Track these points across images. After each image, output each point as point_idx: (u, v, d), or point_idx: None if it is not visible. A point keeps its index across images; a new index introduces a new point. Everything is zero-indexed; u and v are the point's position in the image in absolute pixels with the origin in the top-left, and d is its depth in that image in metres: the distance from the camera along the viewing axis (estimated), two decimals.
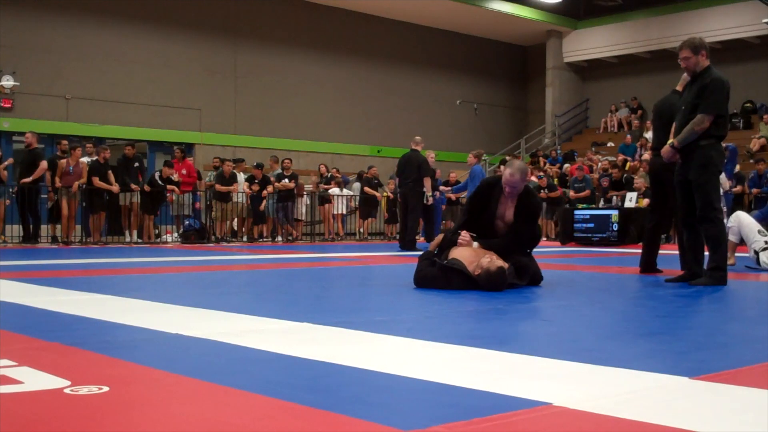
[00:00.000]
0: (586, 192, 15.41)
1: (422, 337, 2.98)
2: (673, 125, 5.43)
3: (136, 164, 13.60)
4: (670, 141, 5.35)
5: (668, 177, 5.77)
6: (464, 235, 5.00)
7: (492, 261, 4.69)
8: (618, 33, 22.14)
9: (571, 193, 15.72)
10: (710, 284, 5.11)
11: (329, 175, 16.41)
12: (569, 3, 21.71)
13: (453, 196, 15.01)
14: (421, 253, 5.52)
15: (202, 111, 18.29)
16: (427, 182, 11.08)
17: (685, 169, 5.25)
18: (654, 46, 21.26)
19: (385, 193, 16.58)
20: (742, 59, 19.74)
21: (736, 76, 15.19)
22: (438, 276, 4.80)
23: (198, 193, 14.70)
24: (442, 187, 14.12)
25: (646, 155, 15.85)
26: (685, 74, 6.02)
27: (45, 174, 12.46)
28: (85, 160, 13.32)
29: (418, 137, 11.37)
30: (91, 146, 14.08)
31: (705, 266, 5.28)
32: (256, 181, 14.47)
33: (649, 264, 6.25)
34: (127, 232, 13.44)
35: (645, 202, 14.06)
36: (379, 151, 20.65)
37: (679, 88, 6.04)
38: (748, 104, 19.51)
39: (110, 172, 12.88)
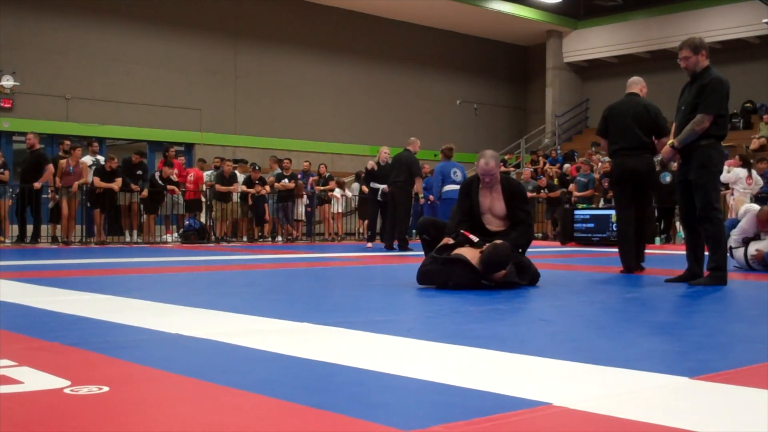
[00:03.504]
0: (589, 191, 15.39)
1: (422, 337, 2.99)
2: (673, 125, 5.45)
3: (139, 171, 13.55)
4: (669, 141, 5.36)
5: (647, 178, 6.10)
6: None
7: (496, 242, 4.76)
8: (618, 33, 22.15)
9: (572, 187, 15.67)
10: (710, 284, 5.12)
11: (325, 173, 16.39)
12: (569, 3, 21.71)
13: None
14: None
15: (202, 111, 18.29)
16: (418, 182, 11.10)
17: (685, 168, 5.26)
18: (654, 46, 21.27)
19: None
20: (742, 59, 19.75)
21: (736, 76, 15.19)
22: (440, 270, 4.82)
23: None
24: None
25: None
26: (631, 80, 6.41)
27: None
28: (88, 159, 13.33)
29: (412, 138, 11.39)
30: (97, 145, 14.06)
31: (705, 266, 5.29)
32: (256, 182, 14.50)
33: (635, 263, 6.28)
34: (127, 232, 13.45)
35: None
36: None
37: (633, 90, 6.32)
38: (748, 104, 19.51)
39: (118, 179, 12.89)
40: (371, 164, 12.37)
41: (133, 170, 13.39)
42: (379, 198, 11.71)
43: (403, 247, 10.83)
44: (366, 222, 16.29)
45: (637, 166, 6.12)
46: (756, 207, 6.81)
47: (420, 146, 11.31)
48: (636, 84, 6.38)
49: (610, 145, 6.29)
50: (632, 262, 6.24)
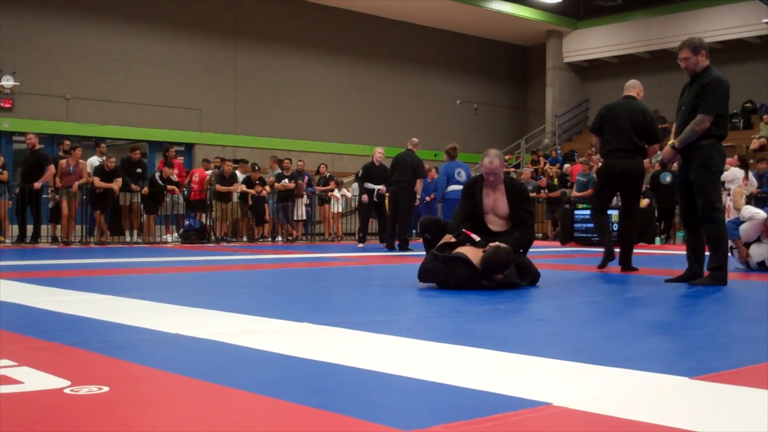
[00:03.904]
0: (589, 191, 15.36)
1: (422, 337, 2.99)
2: (673, 125, 5.45)
3: (139, 170, 13.54)
4: (670, 142, 5.36)
5: (637, 181, 6.37)
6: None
7: (499, 245, 4.77)
8: (618, 33, 22.14)
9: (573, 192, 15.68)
10: (710, 284, 5.12)
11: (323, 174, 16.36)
12: (569, 3, 21.71)
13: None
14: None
15: (202, 111, 18.29)
16: (419, 184, 11.10)
17: (686, 169, 5.26)
18: (654, 46, 21.26)
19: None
20: (742, 59, 19.74)
21: (736, 76, 15.18)
22: (441, 268, 4.83)
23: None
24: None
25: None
26: (628, 83, 6.65)
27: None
28: (96, 160, 13.32)
29: (415, 139, 11.41)
30: (104, 146, 14.02)
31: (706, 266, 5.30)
32: (256, 182, 14.50)
33: (609, 259, 6.59)
34: (127, 233, 13.45)
35: (645, 202, 14.08)
36: None
37: (630, 93, 6.52)
38: (748, 104, 19.51)
39: (118, 179, 12.88)
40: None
41: (132, 168, 13.38)
42: (375, 199, 11.66)
43: (404, 247, 10.83)
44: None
45: (627, 168, 6.30)
46: (762, 214, 6.75)
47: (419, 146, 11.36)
48: (633, 87, 6.54)
49: (603, 144, 6.43)
50: (613, 249, 6.54)
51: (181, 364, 2.41)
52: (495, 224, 5.25)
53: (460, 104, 23.01)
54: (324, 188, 15.87)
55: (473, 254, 4.78)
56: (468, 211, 5.28)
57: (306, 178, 15.61)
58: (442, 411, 1.83)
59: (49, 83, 16.28)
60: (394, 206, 11.02)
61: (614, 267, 6.61)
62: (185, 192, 14.13)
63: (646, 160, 6.73)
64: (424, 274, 4.95)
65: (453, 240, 5.01)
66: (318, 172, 16.24)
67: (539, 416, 1.77)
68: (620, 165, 6.31)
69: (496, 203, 5.26)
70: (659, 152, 6.24)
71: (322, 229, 16.32)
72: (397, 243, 11.05)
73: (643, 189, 14.11)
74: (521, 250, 5.24)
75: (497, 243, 4.81)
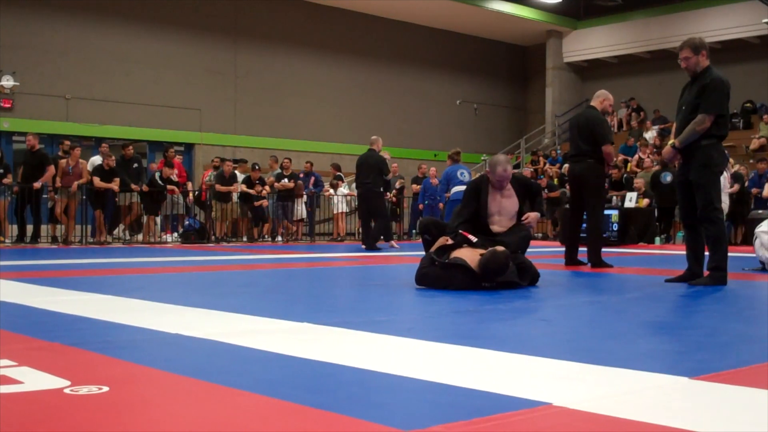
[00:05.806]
0: None
1: (422, 337, 2.98)
2: (673, 125, 5.46)
3: (135, 165, 13.57)
4: (671, 141, 5.37)
5: (587, 181, 6.83)
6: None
7: (496, 248, 4.76)
8: (618, 33, 22.14)
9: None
10: (710, 284, 5.12)
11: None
12: (569, 3, 21.70)
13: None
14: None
15: (202, 111, 18.28)
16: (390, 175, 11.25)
17: (686, 169, 5.27)
18: (654, 46, 21.26)
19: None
20: (742, 59, 19.74)
21: (736, 76, 15.16)
22: (440, 275, 4.80)
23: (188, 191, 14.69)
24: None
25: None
26: (596, 93, 7.26)
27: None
28: (98, 159, 13.33)
29: (374, 137, 11.52)
30: (106, 146, 14.02)
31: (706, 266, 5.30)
32: (256, 182, 14.51)
33: (572, 259, 7.11)
34: (120, 227, 13.46)
35: (645, 202, 14.08)
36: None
37: (593, 103, 7.10)
38: (748, 104, 19.50)
39: (117, 179, 12.89)
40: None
41: (128, 165, 13.39)
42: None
43: (371, 246, 10.88)
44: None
45: (576, 171, 6.98)
46: None
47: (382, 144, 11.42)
48: (597, 97, 7.20)
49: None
50: (575, 255, 7.07)
51: (181, 364, 2.41)
52: (499, 225, 5.24)
53: (460, 104, 23.01)
54: (328, 192, 15.94)
55: (471, 257, 4.74)
56: (470, 214, 5.26)
57: (312, 178, 15.62)
58: (442, 411, 1.83)
59: (49, 83, 16.28)
60: (365, 207, 11.09)
61: (615, 267, 6.61)
62: (196, 192, 14.11)
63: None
64: (422, 279, 4.88)
65: (450, 242, 4.99)
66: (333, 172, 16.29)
67: (539, 416, 1.77)
68: (571, 168, 7.12)
69: (503, 203, 5.26)
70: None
71: (323, 229, 16.32)
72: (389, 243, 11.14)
73: (643, 189, 14.17)
74: (520, 251, 5.24)
75: (494, 247, 4.77)
